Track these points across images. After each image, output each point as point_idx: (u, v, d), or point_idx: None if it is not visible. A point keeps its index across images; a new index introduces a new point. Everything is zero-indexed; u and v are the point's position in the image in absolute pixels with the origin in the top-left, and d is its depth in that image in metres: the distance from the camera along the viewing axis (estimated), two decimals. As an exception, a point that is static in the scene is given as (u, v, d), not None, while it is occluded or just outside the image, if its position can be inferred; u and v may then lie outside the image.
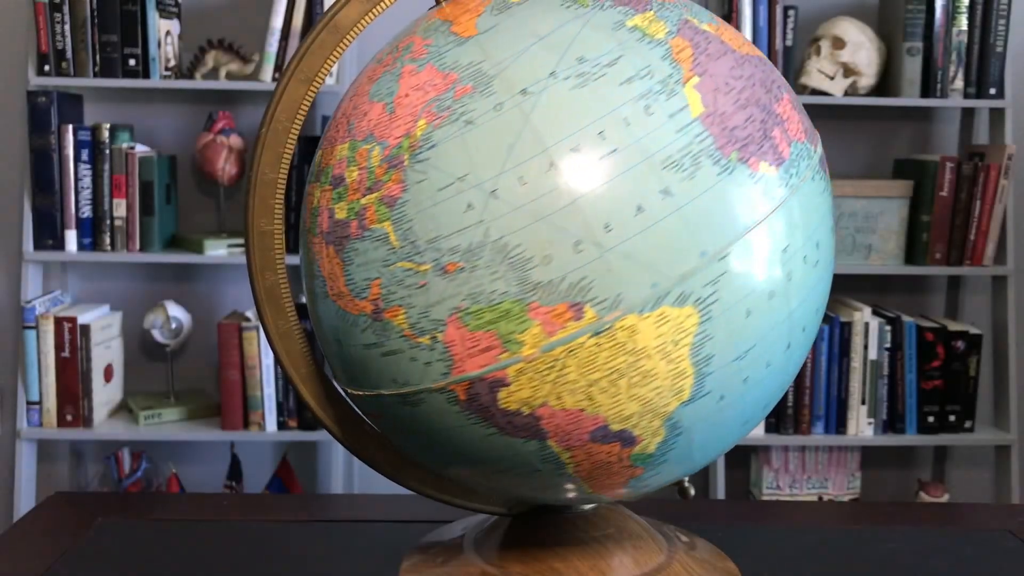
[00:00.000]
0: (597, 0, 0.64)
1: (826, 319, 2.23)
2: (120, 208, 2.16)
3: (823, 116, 2.36)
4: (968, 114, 2.39)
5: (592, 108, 0.60)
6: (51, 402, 2.15)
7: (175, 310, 2.24)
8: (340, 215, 0.64)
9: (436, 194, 0.60)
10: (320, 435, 2.21)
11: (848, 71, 2.22)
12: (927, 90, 2.22)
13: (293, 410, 2.20)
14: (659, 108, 0.60)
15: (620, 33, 0.63)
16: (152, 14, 2.14)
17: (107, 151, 2.15)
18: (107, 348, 2.22)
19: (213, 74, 2.23)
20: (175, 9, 2.24)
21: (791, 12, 2.21)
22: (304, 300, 0.72)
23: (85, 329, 2.14)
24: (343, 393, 0.73)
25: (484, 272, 0.59)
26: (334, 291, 0.65)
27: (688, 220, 0.60)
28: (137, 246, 2.17)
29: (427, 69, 0.63)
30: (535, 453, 0.63)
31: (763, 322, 0.63)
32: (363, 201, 0.63)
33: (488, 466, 0.66)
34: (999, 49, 2.21)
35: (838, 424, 2.24)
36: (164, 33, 2.18)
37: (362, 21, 0.72)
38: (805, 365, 2.21)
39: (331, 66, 0.72)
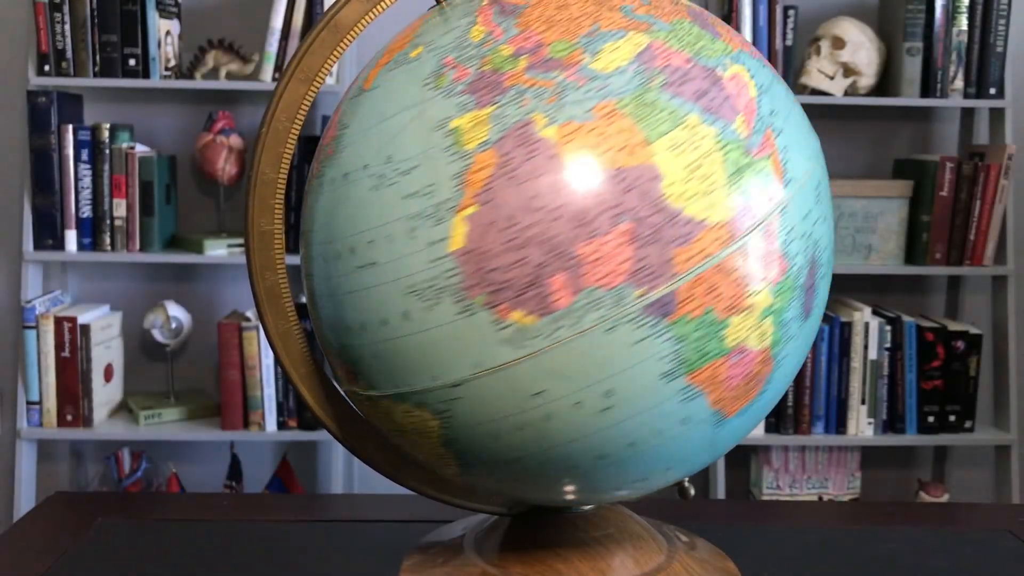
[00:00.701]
0: (453, 82, 0.62)
1: (826, 319, 2.23)
2: (120, 208, 2.16)
3: (823, 116, 2.36)
4: (968, 114, 2.39)
5: (373, 215, 0.62)
6: (51, 402, 2.15)
7: (175, 310, 2.24)
8: None
9: None
10: (320, 435, 2.21)
11: (848, 71, 2.22)
12: (927, 90, 2.22)
13: (293, 410, 2.20)
14: (422, 234, 0.60)
15: (435, 136, 0.61)
16: (152, 14, 2.14)
17: (107, 151, 2.15)
18: (107, 348, 2.22)
19: (213, 74, 2.23)
20: (175, 9, 2.24)
21: (791, 12, 2.21)
22: (304, 300, 0.72)
23: (85, 329, 2.14)
24: (343, 393, 0.73)
25: None
26: None
27: (424, 348, 0.62)
28: (137, 246, 2.17)
29: (333, 114, 0.70)
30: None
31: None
32: None
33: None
34: (999, 49, 2.21)
35: (838, 424, 2.24)
36: (164, 33, 2.18)
37: (362, 21, 0.72)
38: (805, 365, 2.21)
39: (331, 66, 0.72)
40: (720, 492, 2.26)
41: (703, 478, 2.34)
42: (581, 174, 0.59)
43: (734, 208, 0.61)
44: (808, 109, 2.10)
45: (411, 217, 0.61)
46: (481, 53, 0.63)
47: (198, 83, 2.19)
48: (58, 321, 2.13)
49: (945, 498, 2.26)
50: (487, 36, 0.63)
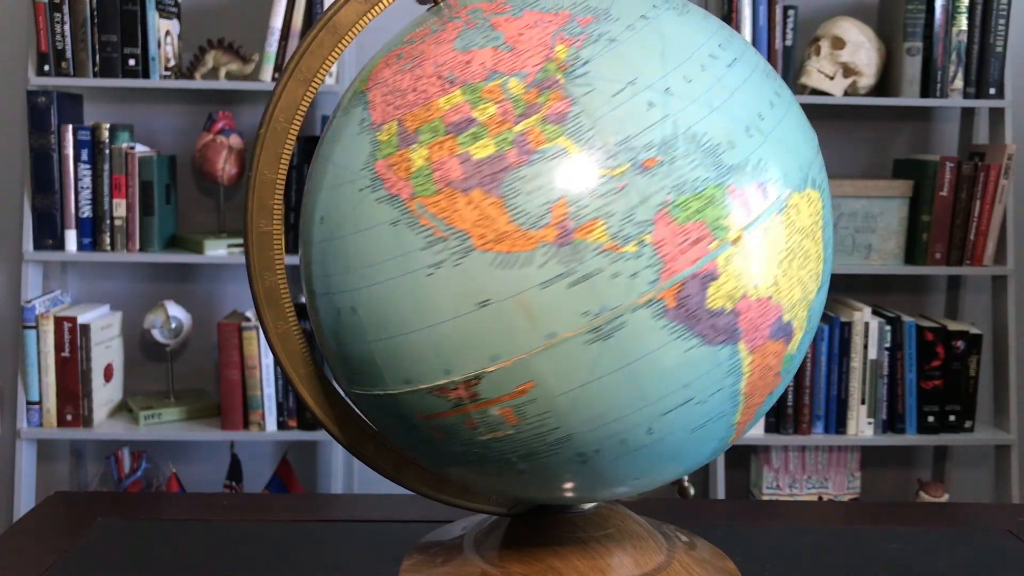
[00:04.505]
0: None
1: (826, 319, 2.23)
2: (120, 208, 2.16)
3: (823, 116, 2.36)
4: (968, 114, 2.39)
5: (703, 28, 0.68)
6: (51, 402, 2.15)
7: (175, 310, 2.24)
8: (484, 152, 0.62)
9: (611, 99, 0.62)
10: (320, 435, 2.21)
11: (848, 71, 2.22)
12: (927, 90, 2.22)
13: (293, 410, 2.20)
14: (735, 38, 0.70)
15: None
16: (152, 14, 2.14)
17: (107, 151, 2.15)
18: (107, 348, 2.22)
19: (213, 74, 2.23)
20: (175, 9, 2.24)
21: (791, 12, 2.21)
22: (303, 300, 0.72)
23: (85, 329, 2.14)
24: (343, 394, 0.73)
25: (684, 162, 0.62)
26: (488, 238, 0.61)
27: (794, 119, 0.69)
28: (137, 246, 2.17)
29: (526, 14, 0.66)
30: (723, 364, 0.64)
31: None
32: (518, 128, 0.62)
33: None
34: (999, 49, 2.21)
35: (838, 424, 2.24)
36: (164, 33, 2.18)
37: (361, 21, 0.72)
38: (805, 364, 2.21)
39: (330, 66, 0.72)
40: (720, 492, 2.26)
41: (703, 478, 2.34)
42: None
43: None
44: (808, 109, 2.11)
45: (723, 27, 0.70)
46: None
47: (198, 83, 2.19)
48: (58, 321, 2.14)
49: (945, 498, 2.26)
50: None
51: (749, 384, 0.66)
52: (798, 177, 0.66)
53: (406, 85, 0.66)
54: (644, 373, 0.62)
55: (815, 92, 2.22)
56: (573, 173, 0.60)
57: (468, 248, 0.61)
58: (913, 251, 2.26)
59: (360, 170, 0.66)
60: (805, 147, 0.68)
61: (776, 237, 0.64)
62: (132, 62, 2.14)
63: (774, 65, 2.20)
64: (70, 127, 2.14)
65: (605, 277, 0.60)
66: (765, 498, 2.31)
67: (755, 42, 2.19)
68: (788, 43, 2.22)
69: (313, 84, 0.72)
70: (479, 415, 0.64)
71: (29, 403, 2.16)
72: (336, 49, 0.72)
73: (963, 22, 2.21)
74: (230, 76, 2.22)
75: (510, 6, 0.66)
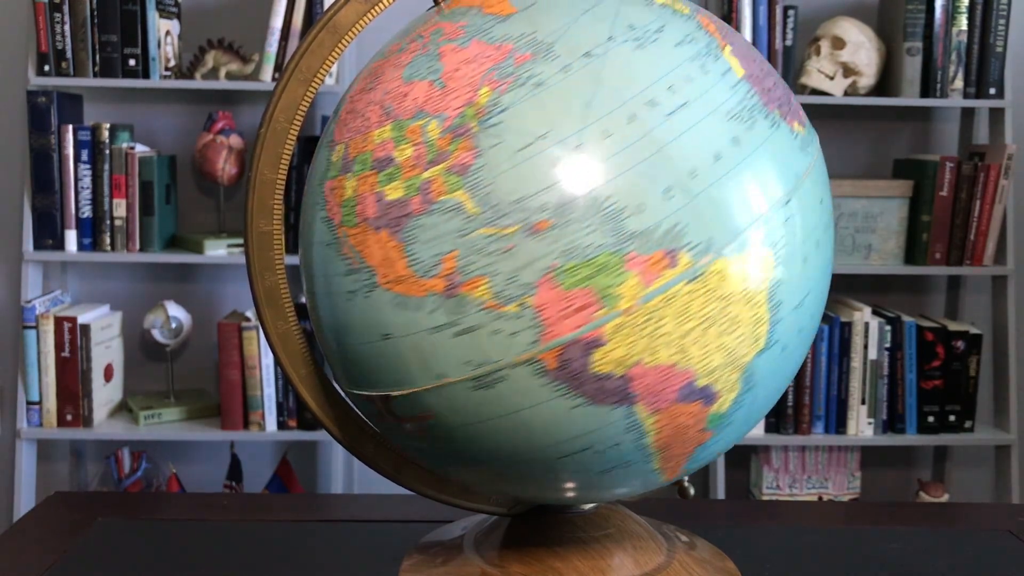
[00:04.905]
0: None
1: (826, 319, 2.23)
2: (120, 208, 2.16)
3: (823, 116, 2.36)
4: (968, 114, 2.39)
5: (657, 65, 0.63)
6: (51, 402, 2.15)
7: (175, 310, 2.24)
8: (394, 195, 0.62)
9: (516, 155, 0.60)
10: (320, 435, 2.21)
11: (848, 71, 2.22)
12: (927, 90, 2.22)
13: (293, 410, 2.20)
14: (712, 68, 0.64)
15: (654, 8, 0.66)
16: (152, 14, 2.14)
17: (107, 151, 2.15)
18: (107, 348, 2.22)
19: (213, 74, 2.23)
20: (175, 9, 2.24)
21: (791, 12, 2.21)
22: (304, 301, 0.72)
23: (85, 329, 2.14)
24: (343, 394, 0.73)
25: (578, 227, 0.59)
26: (389, 278, 0.62)
27: (755, 167, 0.63)
28: (137, 246, 2.17)
29: (473, 44, 0.64)
30: (619, 423, 0.62)
31: (814, 270, 0.66)
32: (425, 175, 0.61)
33: (549, 449, 0.64)
34: (999, 49, 2.21)
35: (838, 424, 2.24)
36: (164, 33, 2.18)
37: (361, 21, 0.72)
38: (805, 364, 2.21)
39: (330, 66, 0.72)
40: (720, 492, 2.26)
41: (703, 478, 2.34)
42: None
43: None
44: (808, 109, 2.11)
45: (693, 58, 0.67)
46: None
47: (198, 83, 2.19)
48: (58, 321, 2.13)
49: (945, 498, 2.26)
50: None
51: (660, 440, 0.64)
52: (732, 239, 0.61)
53: (360, 107, 0.67)
54: (532, 422, 0.62)
55: (815, 92, 2.22)
56: (465, 229, 0.60)
57: (375, 284, 0.63)
58: (913, 251, 2.26)
59: (316, 184, 0.68)
60: (759, 199, 0.62)
61: (684, 306, 0.60)
62: (132, 62, 2.14)
63: (774, 65, 2.20)
64: (70, 127, 2.14)
65: (486, 332, 0.60)
66: (765, 498, 2.31)
67: (755, 42, 2.19)
68: (788, 43, 2.22)
69: (313, 84, 0.72)
70: (399, 427, 0.68)
71: (29, 403, 2.16)
72: (336, 49, 0.72)
73: (963, 22, 2.21)
74: (230, 76, 2.22)
75: (463, 32, 0.65)
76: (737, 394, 0.64)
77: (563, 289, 0.59)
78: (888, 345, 2.23)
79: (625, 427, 0.63)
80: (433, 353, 0.62)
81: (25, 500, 2.19)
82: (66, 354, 2.14)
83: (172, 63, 2.22)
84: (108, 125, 2.16)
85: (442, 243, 0.61)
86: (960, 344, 2.24)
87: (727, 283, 0.61)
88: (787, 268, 0.63)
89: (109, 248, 2.17)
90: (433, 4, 0.70)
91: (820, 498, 2.32)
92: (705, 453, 0.67)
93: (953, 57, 2.21)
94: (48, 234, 2.16)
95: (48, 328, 2.13)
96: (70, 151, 2.14)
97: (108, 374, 2.23)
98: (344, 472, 2.29)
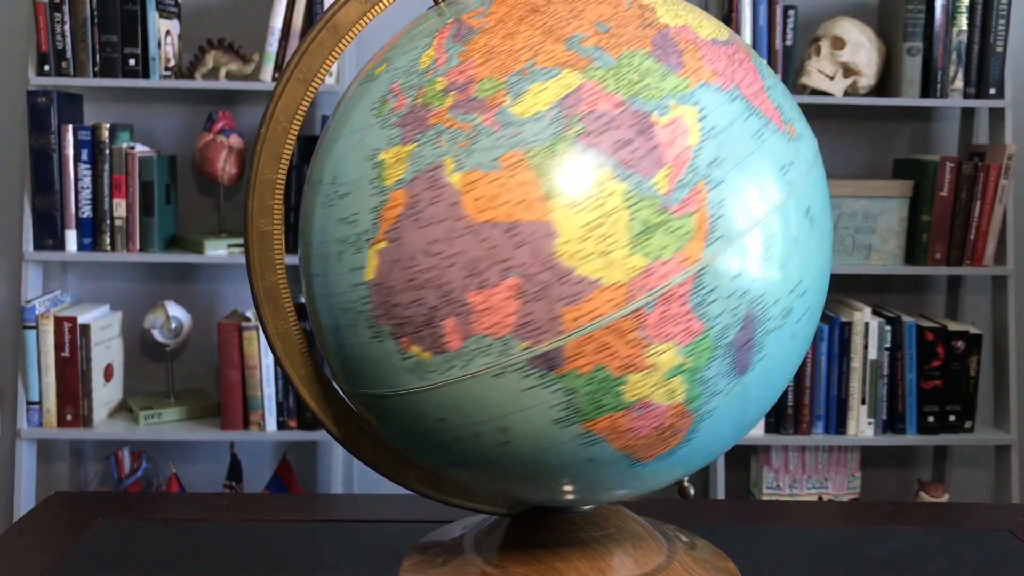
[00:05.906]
0: (391, 111, 0.64)
1: (826, 319, 2.23)
2: (120, 208, 2.16)
3: (823, 116, 2.36)
4: (968, 114, 2.39)
5: (319, 229, 0.66)
6: (51, 402, 2.15)
7: (175, 310, 2.24)
8: None
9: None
10: (320, 435, 2.21)
11: (848, 71, 2.22)
12: (927, 90, 2.22)
13: (293, 410, 2.20)
14: (346, 259, 0.64)
15: (366, 166, 0.63)
16: (152, 14, 2.14)
17: (107, 151, 2.15)
18: (107, 348, 2.22)
19: (213, 74, 2.23)
20: (175, 9, 2.24)
21: (791, 12, 2.21)
22: (303, 300, 0.72)
23: (85, 329, 2.14)
24: (343, 393, 0.73)
25: None
26: None
27: (356, 360, 0.66)
28: (137, 246, 2.17)
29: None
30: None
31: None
32: None
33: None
34: (999, 49, 2.21)
35: (838, 424, 2.24)
36: (164, 33, 2.18)
37: (361, 21, 0.72)
38: (805, 364, 2.21)
39: (330, 66, 0.72)
40: (720, 492, 2.26)
41: (703, 478, 2.34)
42: (477, 225, 0.59)
43: (634, 270, 0.59)
44: (808, 109, 2.10)
45: (339, 241, 0.64)
46: (421, 83, 0.64)
47: (198, 83, 2.19)
48: (58, 321, 2.13)
49: (945, 498, 2.26)
50: (432, 64, 0.64)
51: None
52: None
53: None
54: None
55: (815, 92, 2.22)
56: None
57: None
58: (913, 251, 2.26)
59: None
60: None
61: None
62: (132, 62, 2.14)
63: (774, 66, 2.20)
64: (70, 127, 2.14)
65: None
66: (765, 498, 2.31)
67: (755, 42, 2.19)
68: (788, 43, 2.22)
69: (313, 84, 0.72)
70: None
71: (29, 403, 2.16)
72: (336, 49, 0.72)
73: (963, 22, 2.21)
74: (230, 76, 2.22)
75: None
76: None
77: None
78: (888, 345, 2.23)
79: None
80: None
81: (25, 500, 2.19)
82: (66, 354, 2.14)
83: (172, 63, 2.22)
84: (108, 125, 2.16)
85: None
86: (960, 344, 2.24)
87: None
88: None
89: (109, 248, 2.17)
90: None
91: (820, 498, 2.32)
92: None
93: (953, 57, 2.21)
94: (48, 234, 2.16)
95: (48, 328, 2.13)
96: (70, 151, 2.15)
97: (108, 374, 2.23)
98: (344, 472, 2.29)
